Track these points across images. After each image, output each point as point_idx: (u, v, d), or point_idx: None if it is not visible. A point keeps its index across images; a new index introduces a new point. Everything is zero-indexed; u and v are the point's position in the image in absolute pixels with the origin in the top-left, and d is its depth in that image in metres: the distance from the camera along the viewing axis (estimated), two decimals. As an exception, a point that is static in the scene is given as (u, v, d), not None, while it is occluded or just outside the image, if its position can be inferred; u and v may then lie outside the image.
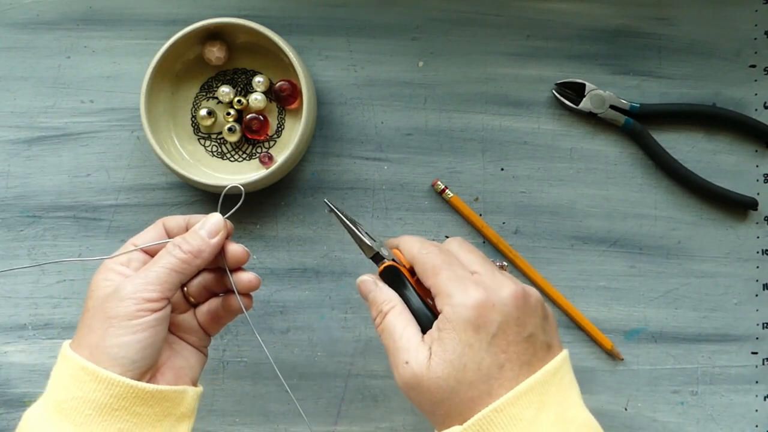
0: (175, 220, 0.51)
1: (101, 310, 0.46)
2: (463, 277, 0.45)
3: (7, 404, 0.62)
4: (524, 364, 0.44)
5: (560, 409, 0.44)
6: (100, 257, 0.52)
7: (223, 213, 0.50)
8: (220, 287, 0.52)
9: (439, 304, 0.45)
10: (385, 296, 0.48)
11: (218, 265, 0.51)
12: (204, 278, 0.52)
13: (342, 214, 0.52)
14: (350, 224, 0.52)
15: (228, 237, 0.51)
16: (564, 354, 0.46)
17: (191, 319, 0.52)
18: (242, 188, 0.53)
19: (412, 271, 0.49)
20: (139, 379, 0.45)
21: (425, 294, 0.48)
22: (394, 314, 0.47)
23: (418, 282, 0.48)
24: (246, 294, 0.52)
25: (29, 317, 0.62)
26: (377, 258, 0.50)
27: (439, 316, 0.45)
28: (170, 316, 0.49)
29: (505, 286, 0.45)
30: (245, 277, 0.51)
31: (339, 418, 0.62)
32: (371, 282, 0.50)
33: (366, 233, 0.51)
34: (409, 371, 0.44)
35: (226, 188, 0.54)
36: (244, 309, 0.51)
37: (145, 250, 0.50)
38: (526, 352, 0.44)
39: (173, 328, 0.51)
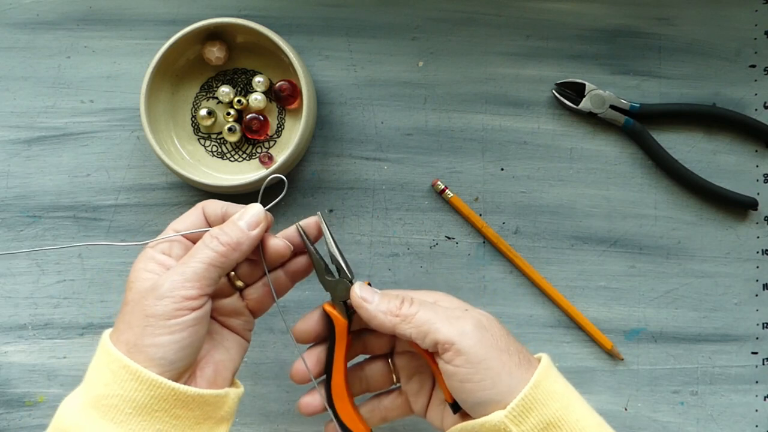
0: (213, 207, 0.49)
1: (139, 307, 0.44)
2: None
3: (7, 404, 0.62)
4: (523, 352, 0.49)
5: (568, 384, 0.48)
6: (134, 243, 0.50)
7: (263, 205, 0.49)
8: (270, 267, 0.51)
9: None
10: (395, 293, 0.50)
11: (256, 258, 0.49)
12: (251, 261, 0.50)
13: (324, 237, 0.51)
14: (332, 246, 0.51)
15: (268, 229, 0.49)
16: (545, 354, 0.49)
17: (236, 302, 0.50)
18: (285, 179, 0.51)
19: None
20: (177, 379, 0.44)
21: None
22: (415, 302, 0.49)
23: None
24: (293, 275, 0.51)
25: (29, 317, 0.62)
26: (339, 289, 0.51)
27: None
28: (214, 301, 0.48)
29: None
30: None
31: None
32: (370, 290, 0.50)
33: (345, 260, 0.51)
34: (473, 316, 0.47)
35: (269, 179, 0.52)
36: (275, 297, 0.51)
37: (187, 237, 0.48)
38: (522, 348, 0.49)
39: (215, 314, 0.49)
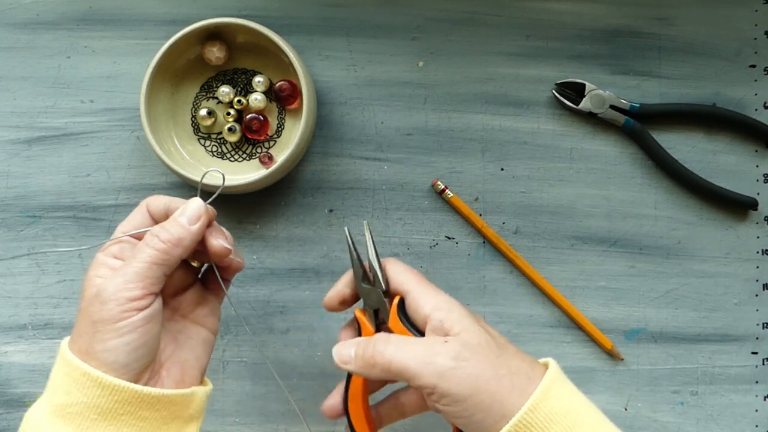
0: (156, 204, 0.48)
1: (87, 314, 0.44)
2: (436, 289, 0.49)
3: (7, 404, 0.62)
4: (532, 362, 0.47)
5: (581, 396, 0.46)
6: (78, 248, 0.50)
7: (204, 199, 0.48)
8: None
9: (428, 308, 0.47)
10: (365, 340, 0.47)
11: (201, 250, 0.49)
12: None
13: (365, 244, 0.52)
14: (371, 255, 0.51)
15: (210, 224, 0.48)
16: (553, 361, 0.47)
17: (198, 289, 0.50)
18: (222, 173, 0.51)
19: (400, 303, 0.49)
20: (136, 380, 0.44)
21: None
22: (385, 339, 0.46)
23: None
24: (230, 270, 0.50)
25: (29, 317, 0.62)
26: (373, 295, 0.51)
27: (433, 314, 0.46)
28: (174, 297, 0.48)
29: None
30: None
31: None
32: (344, 345, 0.48)
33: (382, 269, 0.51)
34: (454, 343, 0.44)
35: (206, 173, 0.52)
36: (225, 290, 0.50)
37: (136, 236, 0.48)
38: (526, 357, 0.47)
39: (176, 312, 0.49)
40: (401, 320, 0.48)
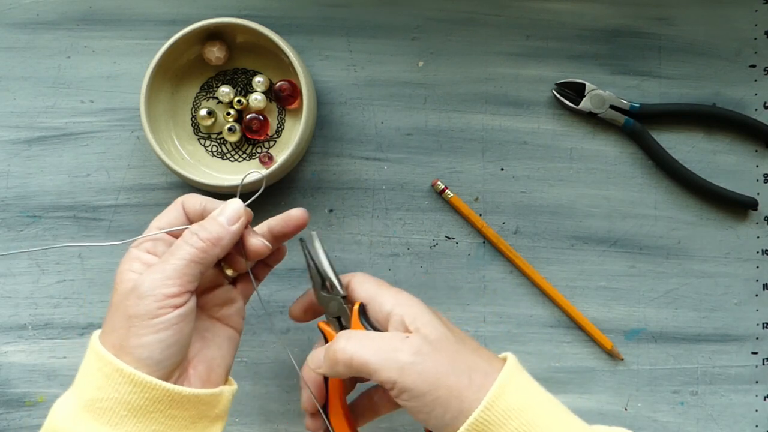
0: (192, 202, 0.49)
1: (122, 308, 0.44)
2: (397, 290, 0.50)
3: (7, 404, 0.62)
4: (493, 358, 0.47)
5: (541, 390, 0.46)
6: (116, 242, 0.50)
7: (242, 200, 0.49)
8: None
9: (388, 306, 0.48)
10: (331, 346, 0.47)
11: (237, 252, 0.49)
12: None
13: (316, 254, 0.52)
14: (324, 263, 0.51)
15: (248, 225, 0.49)
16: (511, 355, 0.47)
17: (229, 290, 0.51)
18: (263, 175, 0.52)
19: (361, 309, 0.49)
20: (167, 378, 0.44)
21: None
22: (352, 335, 0.47)
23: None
24: (267, 262, 0.52)
25: (29, 317, 0.62)
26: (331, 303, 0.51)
27: (393, 311, 0.47)
28: (203, 295, 0.48)
29: None
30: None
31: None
32: (315, 352, 0.50)
33: (335, 278, 0.51)
34: (414, 339, 0.45)
35: (247, 174, 0.52)
36: (255, 286, 0.51)
37: (170, 234, 0.48)
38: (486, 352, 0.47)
39: (205, 310, 0.49)
40: (362, 323, 0.48)
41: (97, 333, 0.45)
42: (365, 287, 0.50)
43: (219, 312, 0.50)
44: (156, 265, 0.45)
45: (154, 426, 0.43)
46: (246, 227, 0.48)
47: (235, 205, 0.48)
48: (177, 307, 0.44)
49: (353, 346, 0.46)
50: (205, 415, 0.46)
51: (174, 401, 0.43)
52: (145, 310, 0.43)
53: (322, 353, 0.48)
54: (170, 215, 0.48)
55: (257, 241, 0.48)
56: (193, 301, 0.45)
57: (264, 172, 0.57)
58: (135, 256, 0.47)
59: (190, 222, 0.49)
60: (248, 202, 0.49)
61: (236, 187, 0.52)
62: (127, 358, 0.43)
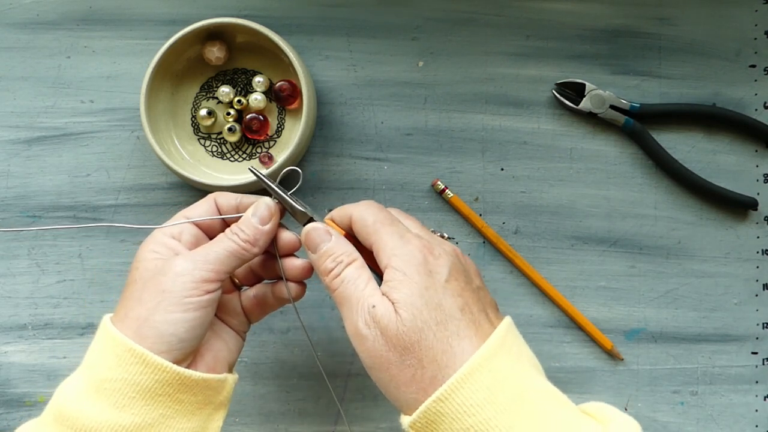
0: (227, 198, 0.50)
1: (153, 283, 0.44)
2: (405, 232, 0.46)
3: (7, 404, 0.62)
4: (481, 311, 0.44)
5: (516, 382, 0.42)
6: (148, 226, 0.50)
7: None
8: (268, 273, 0.52)
9: (385, 258, 0.44)
10: (345, 248, 0.46)
11: (270, 250, 0.50)
12: (252, 261, 0.51)
13: (270, 181, 0.50)
14: (280, 191, 0.50)
15: (279, 220, 0.50)
16: (507, 321, 0.45)
17: (235, 302, 0.52)
18: (300, 171, 0.52)
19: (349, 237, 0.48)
20: (181, 362, 0.44)
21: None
22: (357, 266, 0.46)
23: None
24: (298, 281, 0.51)
25: (29, 317, 0.62)
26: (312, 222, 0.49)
27: (388, 270, 0.44)
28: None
29: (445, 243, 0.47)
30: (298, 264, 0.50)
31: (339, 418, 0.62)
32: (324, 231, 0.47)
33: (297, 200, 0.50)
34: (378, 314, 0.43)
35: (284, 171, 0.52)
36: (291, 299, 0.50)
37: (197, 224, 0.49)
38: (479, 302, 0.44)
39: (216, 309, 0.50)
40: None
41: (107, 316, 0.46)
42: (366, 231, 0.47)
43: (225, 317, 0.51)
44: (197, 250, 0.46)
45: (161, 410, 0.43)
46: (279, 225, 0.49)
47: (265, 203, 0.49)
48: (208, 292, 0.45)
49: (348, 272, 0.45)
50: (210, 401, 0.46)
51: (183, 385, 0.44)
52: (181, 287, 0.44)
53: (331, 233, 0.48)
54: (201, 208, 0.50)
55: (287, 235, 0.50)
56: (219, 292, 0.46)
57: (264, 171, 0.57)
58: (160, 240, 0.47)
59: (222, 215, 0.50)
60: (291, 191, 0.50)
61: (248, 186, 0.52)
62: (150, 332, 0.43)
